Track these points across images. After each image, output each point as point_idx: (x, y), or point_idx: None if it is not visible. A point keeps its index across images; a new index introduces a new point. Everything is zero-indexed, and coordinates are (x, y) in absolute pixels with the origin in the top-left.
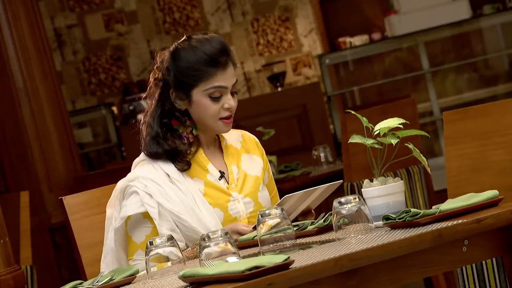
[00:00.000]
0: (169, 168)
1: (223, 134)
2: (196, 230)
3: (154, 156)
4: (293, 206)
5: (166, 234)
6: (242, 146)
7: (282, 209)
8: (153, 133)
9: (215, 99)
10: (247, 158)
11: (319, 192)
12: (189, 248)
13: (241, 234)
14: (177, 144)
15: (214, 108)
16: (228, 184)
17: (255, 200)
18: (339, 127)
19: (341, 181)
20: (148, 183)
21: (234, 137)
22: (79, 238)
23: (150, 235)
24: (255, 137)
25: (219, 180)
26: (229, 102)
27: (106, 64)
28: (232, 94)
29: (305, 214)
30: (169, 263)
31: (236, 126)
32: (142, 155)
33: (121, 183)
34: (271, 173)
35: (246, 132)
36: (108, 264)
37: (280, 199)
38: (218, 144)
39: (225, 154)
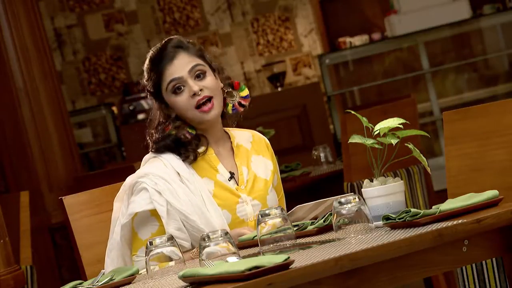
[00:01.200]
0: (179, 165)
1: (234, 134)
2: (203, 231)
3: (161, 149)
4: (302, 215)
5: (172, 233)
6: (252, 146)
7: (282, 209)
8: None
9: (178, 92)
10: (257, 159)
11: (329, 203)
12: (194, 249)
13: None
14: (179, 135)
15: (182, 101)
16: (237, 185)
17: (263, 202)
18: (339, 127)
19: (352, 194)
20: (158, 181)
21: (244, 137)
22: (79, 238)
23: (156, 233)
24: (265, 138)
25: (229, 181)
26: (191, 88)
27: (106, 64)
28: (198, 76)
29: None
30: (171, 263)
31: (236, 125)
32: (151, 153)
33: (130, 179)
34: (279, 175)
35: (257, 133)
36: (113, 259)
37: (285, 201)
38: (229, 144)
39: (235, 154)
